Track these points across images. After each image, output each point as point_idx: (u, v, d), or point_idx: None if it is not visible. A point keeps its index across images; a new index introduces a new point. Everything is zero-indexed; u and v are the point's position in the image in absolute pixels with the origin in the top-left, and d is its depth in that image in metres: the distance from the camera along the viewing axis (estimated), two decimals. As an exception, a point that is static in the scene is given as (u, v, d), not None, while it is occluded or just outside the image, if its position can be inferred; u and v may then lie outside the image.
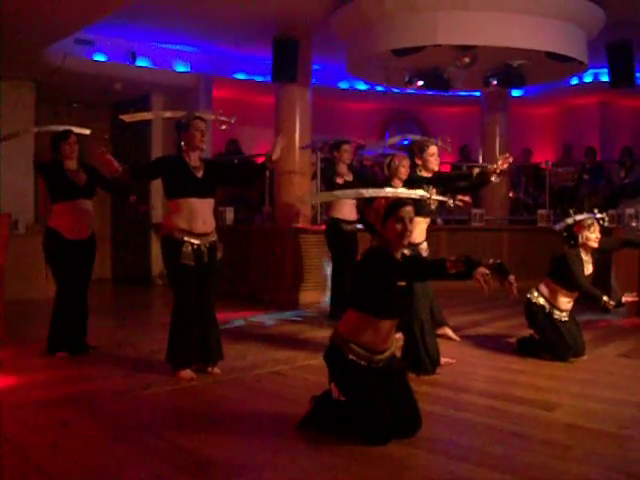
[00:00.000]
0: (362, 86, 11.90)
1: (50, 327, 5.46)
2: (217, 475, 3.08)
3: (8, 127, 9.17)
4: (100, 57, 9.38)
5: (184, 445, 3.49)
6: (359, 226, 6.83)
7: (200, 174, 4.76)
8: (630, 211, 8.42)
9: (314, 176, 9.50)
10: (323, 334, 6.19)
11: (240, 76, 10.73)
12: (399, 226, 3.51)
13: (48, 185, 5.54)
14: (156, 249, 10.76)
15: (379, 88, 11.69)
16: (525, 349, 5.61)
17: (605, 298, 5.22)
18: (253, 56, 10.40)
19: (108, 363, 5.28)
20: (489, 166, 5.21)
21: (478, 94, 11.49)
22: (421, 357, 4.90)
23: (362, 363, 3.56)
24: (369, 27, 7.95)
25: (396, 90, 11.34)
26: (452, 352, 5.52)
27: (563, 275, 5.41)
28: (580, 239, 5.39)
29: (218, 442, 3.54)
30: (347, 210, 7.12)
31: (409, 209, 3.56)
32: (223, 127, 5.31)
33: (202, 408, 4.18)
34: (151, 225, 10.82)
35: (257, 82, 10.69)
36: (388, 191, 3.69)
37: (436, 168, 5.41)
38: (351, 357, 3.55)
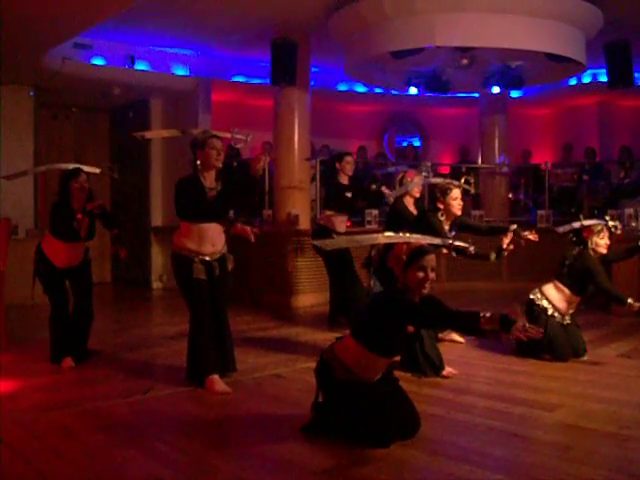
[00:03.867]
0: (361, 88, 11.90)
1: (51, 341, 5.42)
2: (217, 478, 3.08)
3: (7, 131, 9.23)
4: (98, 61, 9.38)
5: (185, 448, 3.49)
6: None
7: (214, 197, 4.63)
8: (630, 211, 8.42)
9: (313, 179, 9.51)
10: (323, 337, 6.19)
11: (239, 79, 10.73)
12: (421, 274, 3.45)
13: (51, 220, 5.41)
14: (156, 252, 10.78)
15: (378, 90, 11.70)
16: (525, 350, 5.60)
17: (630, 300, 5.15)
18: (252, 59, 10.40)
19: (108, 367, 5.28)
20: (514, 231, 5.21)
21: (477, 95, 11.50)
22: (420, 363, 4.90)
23: (354, 383, 3.55)
24: (367, 29, 7.95)
25: (395, 92, 11.35)
26: (453, 354, 5.52)
27: (573, 278, 5.40)
28: (589, 244, 5.37)
29: (218, 445, 3.54)
30: (337, 223, 6.97)
31: (432, 257, 3.49)
32: (239, 145, 5.23)
33: (202, 411, 4.18)
34: (151, 228, 10.83)
35: (256, 85, 10.68)
36: (410, 237, 3.58)
37: (459, 213, 5.36)
38: (342, 378, 3.53)
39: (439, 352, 5.00)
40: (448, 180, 5.66)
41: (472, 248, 4.95)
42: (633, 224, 8.24)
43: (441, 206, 5.31)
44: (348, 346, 3.58)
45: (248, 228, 4.67)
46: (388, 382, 3.70)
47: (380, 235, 3.70)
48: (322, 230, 6.99)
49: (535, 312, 5.47)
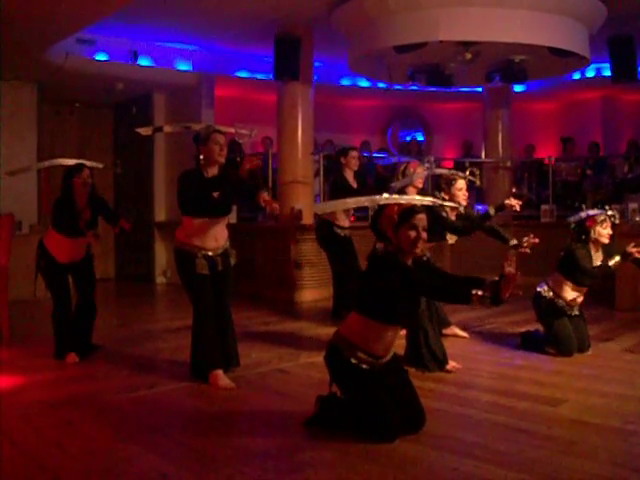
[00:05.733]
0: (364, 83, 11.88)
1: (54, 336, 5.42)
2: (221, 473, 3.08)
3: (10, 127, 9.23)
4: (102, 56, 9.37)
5: (188, 443, 3.49)
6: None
7: (217, 193, 4.62)
8: (634, 205, 8.40)
9: (317, 174, 9.50)
10: (326, 331, 6.18)
11: (242, 74, 10.71)
12: (412, 233, 3.47)
13: (54, 214, 5.42)
14: (159, 247, 10.79)
15: (381, 85, 11.67)
16: (529, 344, 5.60)
17: (617, 258, 5.24)
18: (255, 54, 10.39)
19: (112, 362, 5.29)
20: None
21: (480, 90, 11.47)
22: (424, 357, 4.90)
23: (363, 366, 3.54)
24: (370, 24, 7.93)
25: (398, 87, 11.32)
26: (456, 348, 5.52)
27: (571, 269, 5.40)
28: (592, 234, 5.38)
29: (222, 440, 3.54)
30: (341, 216, 6.93)
31: (423, 217, 3.52)
32: (243, 140, 5.18)
33: (206, 406, 4.18)
34: (154, 223, 10.83)
35: (259, 80, 10.67)
36: (401, 198, 3.62)
37: (464, 203, 5.39)
38: (352, 360, 3.53)
39: (443, 346, 5.00)
40: (453, 171, 5.67)
41: (462, 208, 4.99)
42: (637, 219, 8.21)
43: (446, 197, 5.33)
44: (352, 323, 3.60)
45: (276, 205, 4.57)
46: (397, 373, 3.69)
47: (373, 197, 3.71)
48: (324, 224, 6.98)
49: (542, 304, 5.47)
